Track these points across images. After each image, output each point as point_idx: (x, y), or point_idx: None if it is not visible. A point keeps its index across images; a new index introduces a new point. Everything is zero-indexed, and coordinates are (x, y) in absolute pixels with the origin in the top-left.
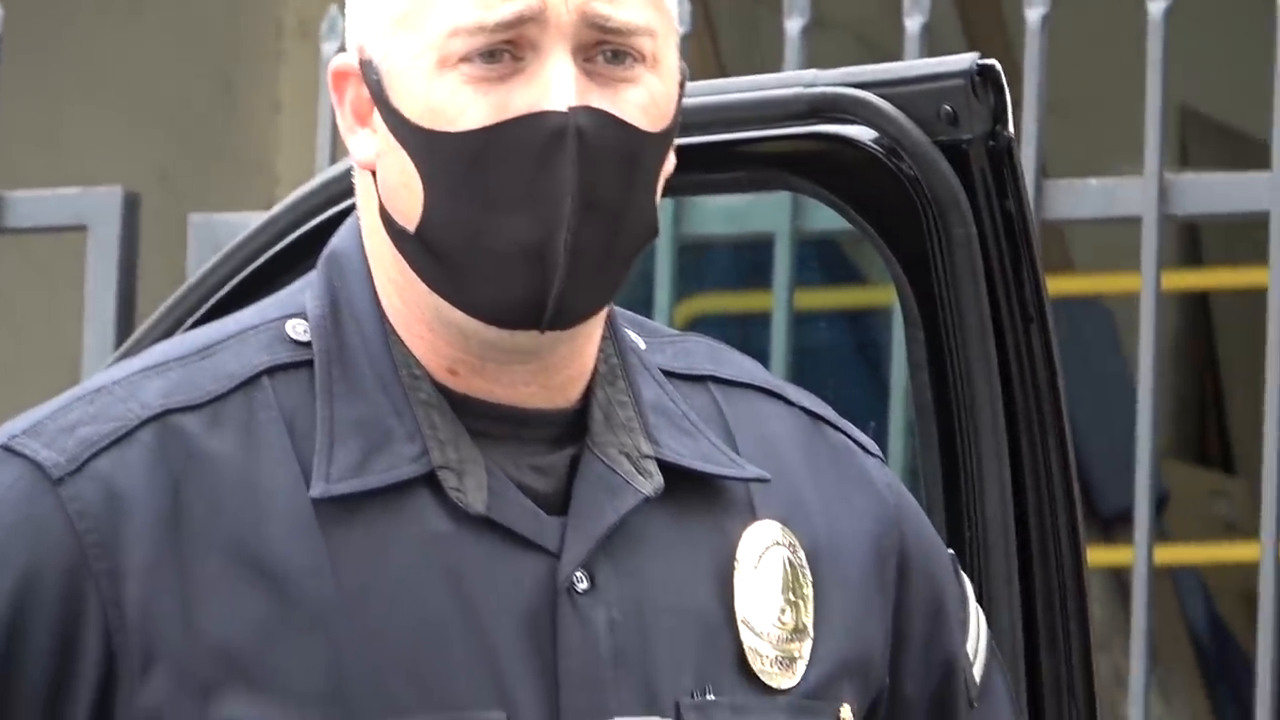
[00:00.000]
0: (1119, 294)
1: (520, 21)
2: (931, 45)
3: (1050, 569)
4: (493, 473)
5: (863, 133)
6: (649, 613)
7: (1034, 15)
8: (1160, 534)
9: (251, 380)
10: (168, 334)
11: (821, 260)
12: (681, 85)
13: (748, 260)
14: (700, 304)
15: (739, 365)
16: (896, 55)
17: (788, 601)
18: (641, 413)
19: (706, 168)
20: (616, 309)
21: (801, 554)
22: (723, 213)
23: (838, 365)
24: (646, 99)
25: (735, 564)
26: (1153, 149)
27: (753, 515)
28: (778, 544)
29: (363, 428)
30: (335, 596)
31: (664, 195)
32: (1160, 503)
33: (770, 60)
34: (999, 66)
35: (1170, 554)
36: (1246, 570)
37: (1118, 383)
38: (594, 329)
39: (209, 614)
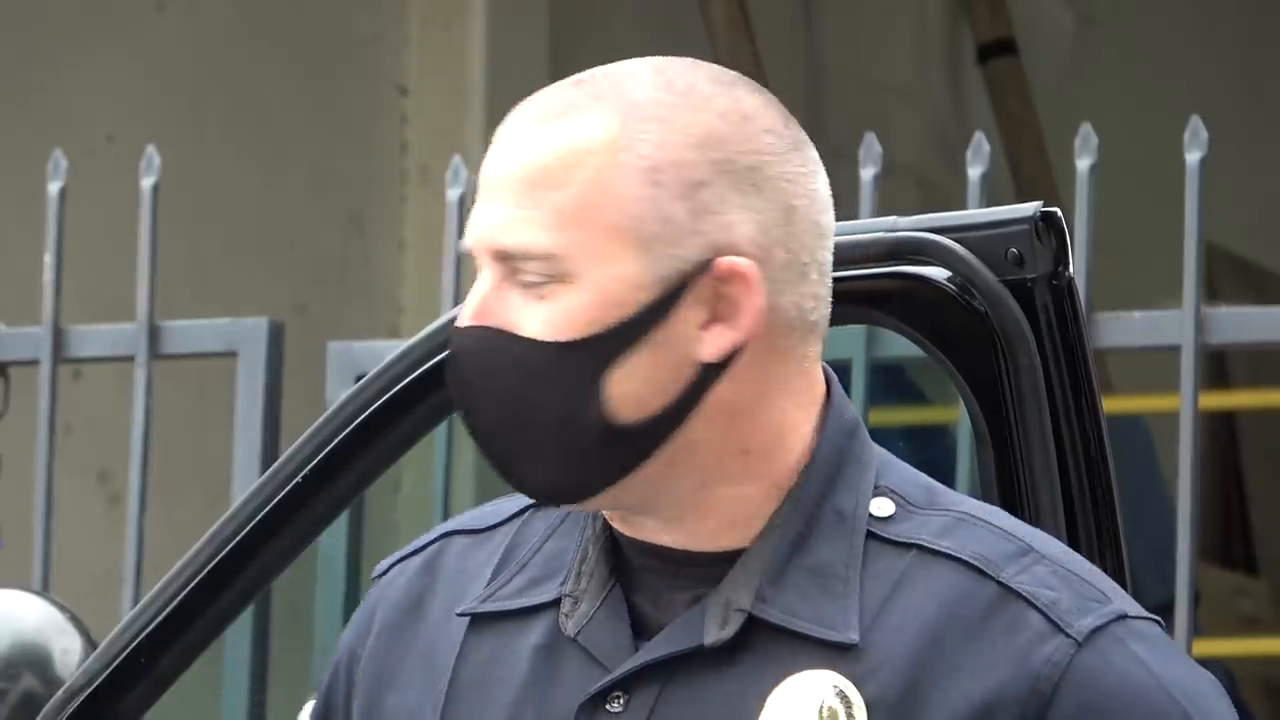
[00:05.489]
0: (1155, 411)
1: (470, 250)
2: (989, 192)
3: None
4: (611, 601)
5: (938, 273)
6: None
7: (1083, 165)
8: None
9: (518, 515)
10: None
11: (891, 383)
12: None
13: None
14: None
15: (966, 539)
16: (951, 194)
17: None
18: (771, 569)
19: None
20: (902, 474)
21: (859, 706)
22: None
23: None
24: (553, 313)
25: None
26: (1190, 285)
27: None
28: (822, 692)
29: (551, 559)
30: (446, 693)
31: None
32: (1194, 601)
33: (837, 203)
34: (1060, 213)
35: (1200, 647)
36: (1268, 662)
37: (1154, 491)
38: (709, 490)
39: (390, 697)
